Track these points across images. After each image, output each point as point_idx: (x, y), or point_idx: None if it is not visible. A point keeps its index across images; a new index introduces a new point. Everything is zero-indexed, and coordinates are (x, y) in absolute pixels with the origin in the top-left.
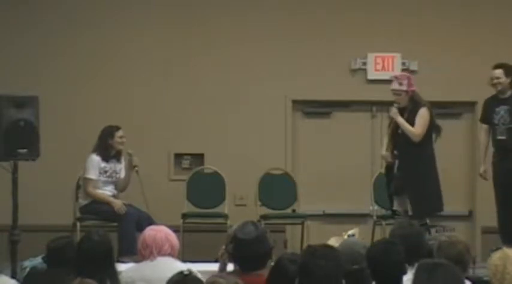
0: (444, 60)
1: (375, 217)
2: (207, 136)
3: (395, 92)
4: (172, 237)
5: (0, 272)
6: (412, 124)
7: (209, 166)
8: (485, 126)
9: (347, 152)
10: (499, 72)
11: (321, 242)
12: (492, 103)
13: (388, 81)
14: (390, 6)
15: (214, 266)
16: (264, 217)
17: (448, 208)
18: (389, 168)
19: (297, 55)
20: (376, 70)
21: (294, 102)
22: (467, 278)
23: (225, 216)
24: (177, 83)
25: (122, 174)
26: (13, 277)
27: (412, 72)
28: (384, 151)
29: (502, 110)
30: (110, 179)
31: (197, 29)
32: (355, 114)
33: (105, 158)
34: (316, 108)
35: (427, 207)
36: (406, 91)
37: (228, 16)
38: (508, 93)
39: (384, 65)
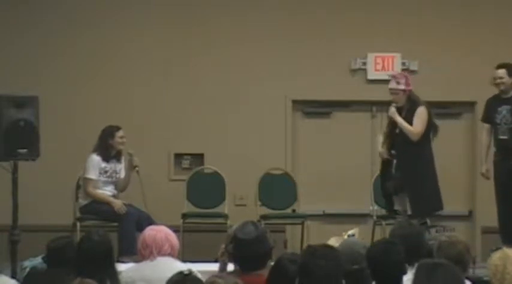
0: (444, 60)
1: (375, 217)
2: (207, 136)
3: (393, 91)
4: (172, 237)
5: (0, 272)
6: (410, 123)
7: (209, 166)
8: (487, 126)
9: (347, 152)
10: (502, 72)
11: (321, 242)
12: (494, 102)
13: (388, 81)
14: (390, 6)
15: (214, 266)
16: (264, 217)
17: (448, 208)
18: (385, 165)
19: (297, 55)
20: (376, 70)
21: (294, 102)
22: (467, 278)
23: (225, 216)
24: (177, 83)
25: (122, 174)
26: (13, 277)
27: (412, 72)
28: (380, 147)
29: (504, 110)
30: (110, 179)
31: (197, 29)
32: (355, 114)
33: (106, 158)
34: (316, 108)
35: (426, 206)
36: (404, 90)
37: (228, 16)
38: (511, 93)
39: (384, 65)
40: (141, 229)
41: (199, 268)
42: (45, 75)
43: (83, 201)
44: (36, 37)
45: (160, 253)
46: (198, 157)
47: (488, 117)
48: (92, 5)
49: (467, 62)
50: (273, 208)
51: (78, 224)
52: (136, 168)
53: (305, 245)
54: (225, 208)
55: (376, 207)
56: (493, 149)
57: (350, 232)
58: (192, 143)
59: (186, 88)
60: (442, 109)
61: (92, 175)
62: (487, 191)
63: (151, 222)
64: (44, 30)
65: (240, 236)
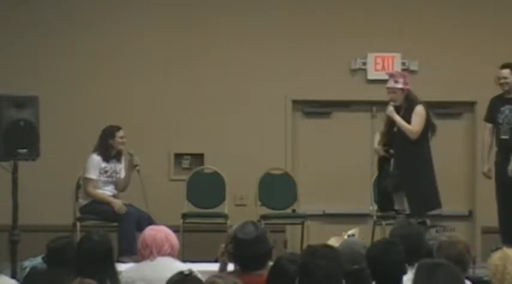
0: (444, 60)
1: (375, 217)
2: (207, 136)
3: (391, 90)
4: (172, 237)
5: (0, 272)
6: (408, 122)
7: (209, 166)
8: (489, 125)
9: (347, 152)
10: (506, 71)
11: (321, 242)
12: (497, 102)
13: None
14: (390, 6)
15: (214, 266)
16: (264, 217)
17: (448, 208)
18: (381, 162)
19: (297, 55)
20: (376, 70)
21: (294, 102)
22: (467, 278)
23: (225, 216)
24: (177, 83)
25: (122, 174)
26: (13, 277)
27: (412, 72)
28: (376, 144)
29: (506, 110)
30: (110, 179)
31: (197, 29)
32: (355, 114)
33: (106, 158)
34: (316, 108)
35: (424, 204)
36: (402, 89)
37: (228, 16)
38: None
39: (384, 65)
40: (141, 229)
41: (199, 268)
42: (45, 75)
43: (83, 201)
44: (36, 37)
45: (160, 253)
46: (198, 157)
47: (491, 116)
48: (92, 5)
49: (467, 62)
50: (273, 208)
51: (78, 224)
52: (137, 168)
53: (305, 245)
54: (225, 208)
55: (376, 207)
56: (495, 149)
57: (350, 232)
58: (192, 143)
59: (186, 88)
60: (442, 109)
61: (92, 175)
62: (487, 191)
63: (151, 222)
64: (44, 30)
65: (240, 236)
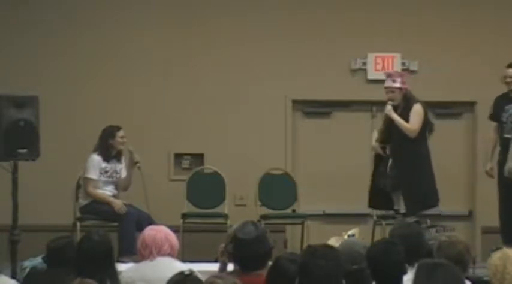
0: (444, 60)
1: (375, 217)
2: (207, 136)
3: (389, 90)
4: (172, 237)
5: (0, 272)
6: (406, 121)
7: (209, 166)
8: (494, 124)
9: (347, 152)
10: None
11: (321, 242)
12: (502, 101)
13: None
14: (390, 6)
15: (214, 266)
16: (264, 217)
17: (448, 208)
18: (377, 160)
19: (297, 55)
20: (376, 70)
21: (294, 102)
22: (467, 278)
23: (225, 216)
24: (177, 83)
25: (123, 174)
26: (13, 277)
27: (412, 72)
28: (373, 142)
29: (511, 108)
30: (110, 179)
31: (197, 29)
32: (355, 114)
33: (106, 158)
34: (316, 108)
35: (421, 203)
36: (400, 89)
37: (228, 16)
38: None
39: (384, 65)
40: (141, 229)
41: (199, 268)
42: (45, 75)
43: (83, 201)
44: (36, 37)
45: (160, 253)
46: (198, 157)
47: (495, 115)
48: (92, 5)
49: (467, 62)
50: (273, 208)
51: (78, 224)
52: (138, 164)
53: (305, 245)
54: (225, 208)
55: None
56: (498, 148)
57: (350, 232)
58: (192, 143)
59: (186, 88)
60: (442, 109)
61: (92, 175)
62: (487, 191)
63: (151, 222)
64: (44, 30)
65: (240, 236)
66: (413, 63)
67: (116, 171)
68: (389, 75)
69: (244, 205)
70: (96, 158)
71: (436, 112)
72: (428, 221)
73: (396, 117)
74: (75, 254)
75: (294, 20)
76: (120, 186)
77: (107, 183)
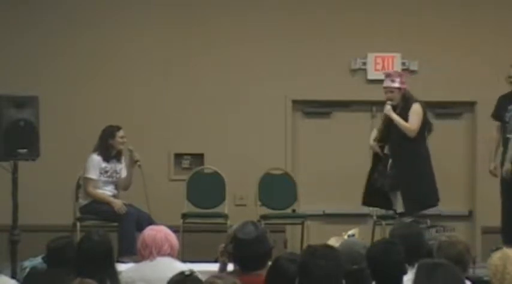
0: (444, 60)
1: (375, 217)
2: (207, 136)
3: (388, 89)
4: (172, 237)
5: (0, 272)
6: (404, 121)
7: (209, 166)
8: (497, 123)
9: (347, 152)
10: None
11: (321, 242)
12: (505, 101)
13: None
14: (390, 6)
15: (214, 266)
16: (264, 217)
17: (448, 208)
18: (375, 159)
19: (297, 55)
20: (376, 70)
21: (294, 102)
22: (467, 278)
23: (225, 216)
24: (177, 83)
25: (123, 174)
26: (13, 277)
27: (412, 72)
28: (371, 141)
29: None
30: (110, 179)
31: (197, 29)
32: (355, 114)
33: (106, 158)
34: (316, 108)
35: (419, 203)
36: (399, 89)
37: (228, 16)
38: None
39: (384, 65)
40: (141, 229)
41: (199, 268)
42: (45, 75)
43: (83, 201)
44: (36, 37)
45: (160, 253)
46: (198, 157)
47: (498, 114)
48: (92, 5)
49: (467, 62)
50: (273, 208)
51: (78, 224)
52: (138, 163)
53: (305, 245)
54: (225, 208)
55: (376, 207)
56: (501, 148)
57: (350, 232)
58: (192, 143)
59: (186, 88)
60: (442, 109)
61: (92, 175)
62: (487, 191)
63: (151, 222)
64: (44, 30)
65: (240, 236)
66: (413, 63)
67: (116, 171)
68: (388, 75)
69: (244, 205)
70: (96, 158)
71: (436, 112)
72: (429, 221)
73: (395, 117)
74: (75, 254)
75: (294, 20)
76: (121, 186)
77: (107, 183)
